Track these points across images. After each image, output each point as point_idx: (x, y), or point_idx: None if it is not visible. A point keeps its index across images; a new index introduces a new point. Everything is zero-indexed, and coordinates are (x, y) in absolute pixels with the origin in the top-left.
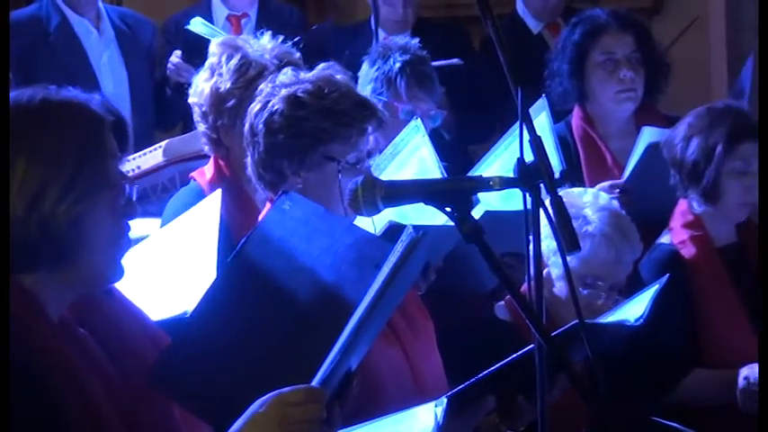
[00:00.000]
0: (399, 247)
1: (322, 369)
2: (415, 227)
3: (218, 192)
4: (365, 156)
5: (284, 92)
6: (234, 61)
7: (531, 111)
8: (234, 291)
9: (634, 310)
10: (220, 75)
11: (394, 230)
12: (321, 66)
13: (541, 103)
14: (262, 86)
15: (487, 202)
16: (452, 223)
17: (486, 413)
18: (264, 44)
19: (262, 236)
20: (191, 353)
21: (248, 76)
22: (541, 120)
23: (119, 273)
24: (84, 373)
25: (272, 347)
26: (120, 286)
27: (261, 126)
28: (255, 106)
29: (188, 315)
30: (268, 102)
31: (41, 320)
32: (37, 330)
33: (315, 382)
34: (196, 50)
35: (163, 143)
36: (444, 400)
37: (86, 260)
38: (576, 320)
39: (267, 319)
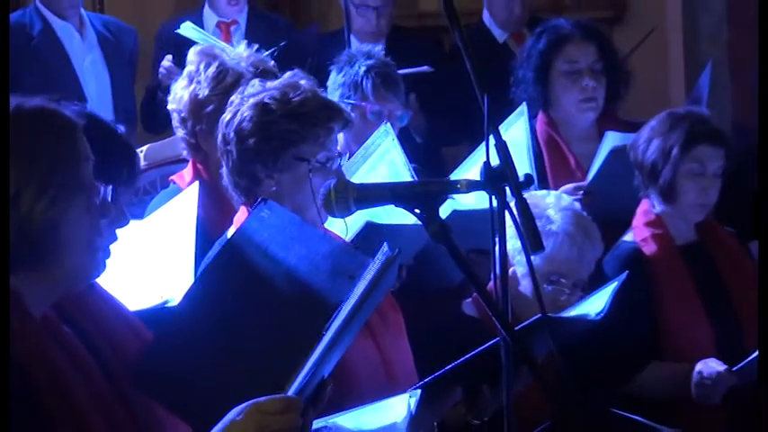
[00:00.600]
0: (375, 265)
1: (298, 379)
2: (389, 245)
3: (196, 184)
4: (335, 155)
5: (252, 100)
6: (212, 69)
7: (511, 117)
8: (212, 294)
9: (595, 305)
10: (198, 82)
11: (370, 230)
12: (287, 74)
13: (521, 110)
14: (232, 98)
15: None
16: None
17: (453, 404)
18: (241, 53)
19: (240, 242)
20: (169, 353)
21: (225, 83)
22: (519, 126)
23: (97, 271)
24: (67, 372)
25: (248, 350)
26: (101, 279)
27: (232, 134)
28: (226, 116)
29: (166, 303)
30: (237, 111)
31: (24, 320)
32: (20, 330)
33: (291, 392)
34: (182, 58)
35: (144, 147)
36: (418, 391)
37: (64, 260)
38: (539, 314)
39: (244, 321)
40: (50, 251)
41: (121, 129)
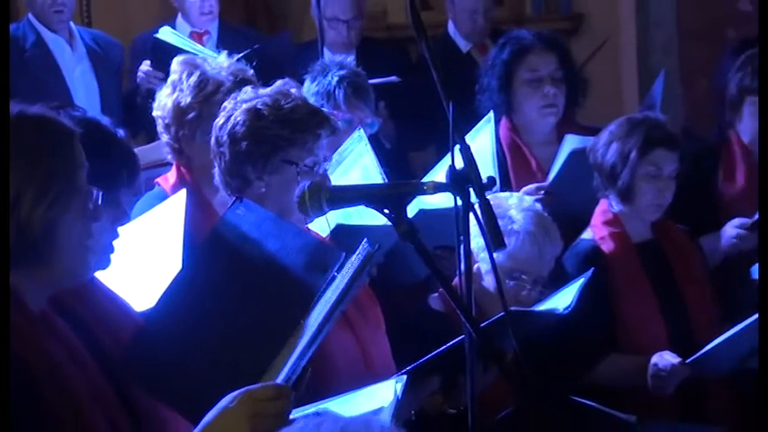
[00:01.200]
0: (356, 260)
1: (286, 367)
2: (369, 241)
3: (183, 191)
4: (321, 159)
5: (245, 106)
6: (193, 78)
7: (480, 124)
8: (193, 286)
9: (563, 299)
10: (181, 90)
11: (340, 231)
12: (278, 82)
13: (488, 117)
14: (225, 103)
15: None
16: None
17: (430, 393)
18: (221, 62)
19: (218, 237)
20: (155, 343)
21: (207, 91)
22: (486, 132)
23: (89, 269)
24: (64, 365)
25: (229, 338)
26: (101, 276)
27: (225, 137)
28: (219, 120)
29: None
30: (231, 115)
31: (24, 315)
32: (19, 324)
33: (280, 380)
34: (162, 62)
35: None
36: (404, 377)
37: (59, 259)
38: (503, 311)
39: (225, 311)
40: (47, 251)
41: (121, 133)
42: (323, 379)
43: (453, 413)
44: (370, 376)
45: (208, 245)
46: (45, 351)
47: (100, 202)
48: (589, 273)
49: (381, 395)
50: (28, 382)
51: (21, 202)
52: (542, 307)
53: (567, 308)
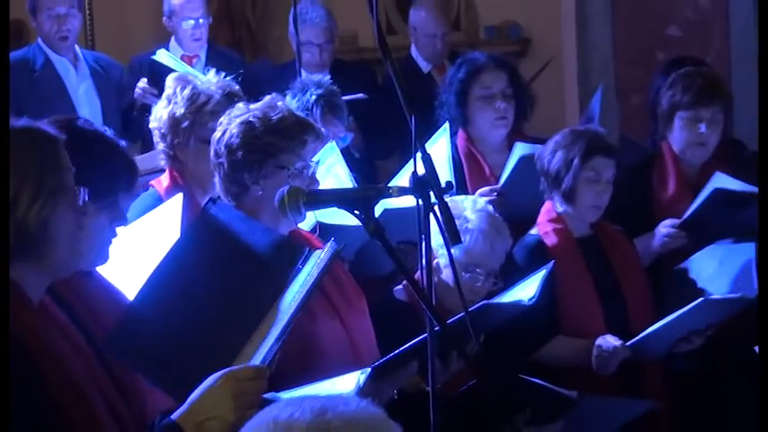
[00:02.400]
0: (325, 256)
1: (263, 350)
2: (335, 239)
3: (180, 195)
4: (309, 163)
5: (238, 120)
6: (186, 91)
7: (437, 134)
8: (174, 276)
9: (526, 291)
10: (175, 103)
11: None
12: (267, 97)
13: (444, 128)
14: (221, 119)
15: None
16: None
17: (410, 375)
18: (210, 78)
19: (194, 232)
20: (138, 327)
21: (198, 102)
22: (443, 142)
23: (81, 261)
24: (64, 350)
25: (207, 322)
26: (102, 271)
27: (223, 149)
28: (216, 134)
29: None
30: (226, 130)
31: (24, 304)
32: (21, 313)
33: (259, 362)
34: (156, 80)
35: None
36: (368, 369)
37: (53, 251)
38: (480, 303)
39: (202, 298)
40: (43, 245)
41: (123, 143)
42: (312, 363)
43: (429, 390)
44: (355, 358)
45: (184, 239)
46: (46, 337)
47: (87, 198)
48: (550, 265)
49: (343, 384)
50: (31, 366)
51: (17, 203)
52: (506, 298)
53: (531, 299)
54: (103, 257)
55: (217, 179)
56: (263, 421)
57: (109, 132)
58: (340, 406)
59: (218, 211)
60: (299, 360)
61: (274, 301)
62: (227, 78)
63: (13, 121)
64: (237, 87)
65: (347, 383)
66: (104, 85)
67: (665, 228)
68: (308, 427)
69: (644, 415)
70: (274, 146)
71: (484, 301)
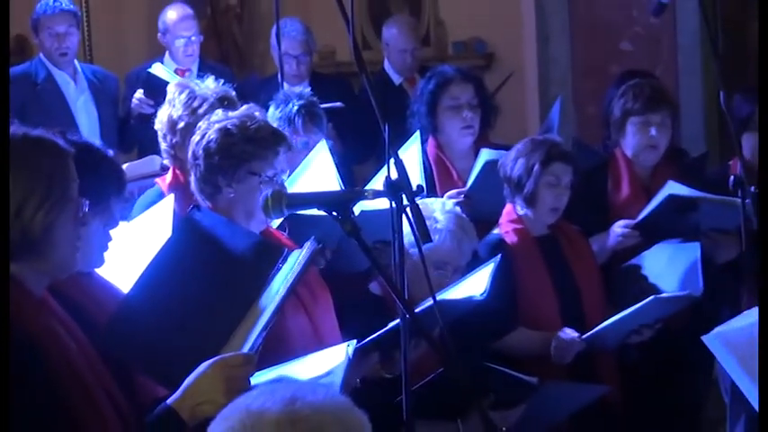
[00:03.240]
0: (305, 253)
1: (251, 339)
2: (314, 238)
3: (171, 196)
4: (280, 171)
5: (217, 126)
6: (183, 95)
7: (408, 141)
8: (163, 274)
9: (477, 285)
10: (174, 106)
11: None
12: (244, 107)
13: (415, 136)
14: (200, 123)
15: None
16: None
17: (372, 365)
18: (208, 84)
19: (181, 237)
20: (130, 322)
21: (194, 106)
22: (414, 148)
23: (77, 264)
24: (66, 340)
25: (192, 318)
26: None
27: (201, 152)
28: (195, 137)
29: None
30: (205, 134)
31: (27, 298)
32: (24, 305)
33: (246, 350)
34: (151, 92)
35: (124, 165)
36: (354, 340)
37: (53, 254)
38: (432, 300)
39: (189, 295)
40: (45, 247)
41: (110, 152)
42: (282, 351)
43: (389, 377)
44: (319, 347)
45: (172, 242)
46: (49, 327)
47: (87, 209)
48: (498, 258)
49: (333, 357)
50: (38, 355)
51: (24, 208)
52: (456, 288)
53: (483, 293)
54: (99, 261)
55: (192, 179)
56: (237, 410)
57: (98, 144)
58: (309, 395)
59: (201, 216)
60: (271, 350)
61: (257, 296)
62: (224, 85)
63: (26, 130)
64: (233, 93)
65: (336, 357)
66: (101, 96)
67: (619, 228)
68: (278, 415)
69: (599, 399)
70: (249, 153)
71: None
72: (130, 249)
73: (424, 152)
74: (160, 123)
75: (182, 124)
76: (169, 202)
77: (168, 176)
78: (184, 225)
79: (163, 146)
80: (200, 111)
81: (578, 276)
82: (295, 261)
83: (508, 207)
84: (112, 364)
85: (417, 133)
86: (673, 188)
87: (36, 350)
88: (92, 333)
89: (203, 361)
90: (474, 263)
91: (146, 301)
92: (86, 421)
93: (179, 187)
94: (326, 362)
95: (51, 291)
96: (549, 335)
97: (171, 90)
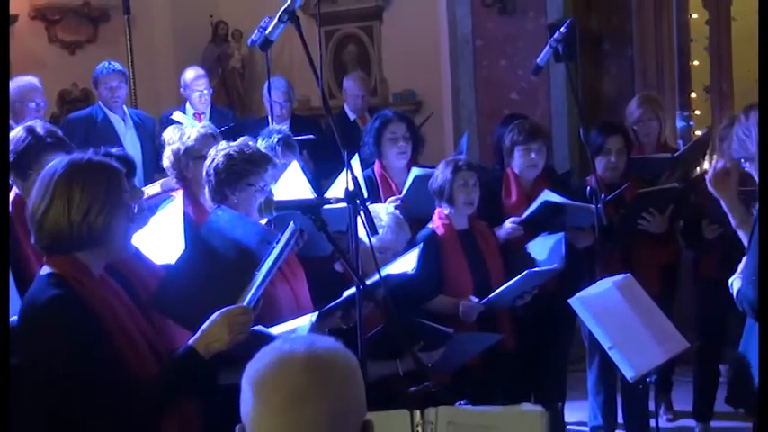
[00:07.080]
0: (288, 234)
1: (248, 295)
2: (294, 221)
3: (180, 192)
4: (268, 183)
5: (222, 152)
6: (176, 133)
7: (353, 161)
8: (195, 255)
9: (409, 263)
10: (172, 142)
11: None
12: (241, 139)
13: (356, 158)
14: (210, 152)
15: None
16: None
17: (335, 319)
18: (197, 127)
19: (208, 228)
20: (172, 290)
21: (183, 138)
22: (356, 165)
23: (129, 250)
24: (119, 310)
25: (218, 282)
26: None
27: (212, 170)
28: (208, 161)
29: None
30: (214, 159)
31: (89, 278)
32: (87, 284)
33: (246, 303)
34: None
35: (160, 181)
36: (316, 313)
37: (111, 243)
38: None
39: (213, 269)
40: (105, 239)
41: (117, 165)
42: (271, 315)
43: (346, 328)
44: (299, 312)
45: (202, 234)
46: (107, 301)
47: (136, 211)
48: (421, 246)
49: (301, 323)
50: (94, 319)
51: (90, 213)
52: (394, 265)
53: (413, 269)
54: (130, 248)
55: (206, 190)
56: (272, 352)
57: (112, 161)
58: (320, 342)
59: (224, 211)
60: (267, 311)
61: (256, 268)
62: (209, 124)
63: (90, 155)
64: (213, 129)
65: (303, 321)
66: (143, 132)
67: (509, 224)
68: (303, 354)
69: (498, 344)
70: (247, 170)
71: (379, 275)
72: (157, 232)
73: (372, 171)
74: (167, 159)
75: (179, 152)
76: (179, 199)
77: (180, 190)
78: (212, 216)
79: (171, 172)
80: (193, 144)
81: (487, 258)
82: (282, 240)
83: (438, 209)
84: (154, 319)
85: (356, 156)
86: (547, 196)
87: (94, 314)
88: (137, 297)
89: None
90: (409, 249)
91: (182, 276)
92: (127, 356)
93: (187, 197)
94: (297, 325)
95: (107, 269)
96: (458, 301)
97: (167, 135)
